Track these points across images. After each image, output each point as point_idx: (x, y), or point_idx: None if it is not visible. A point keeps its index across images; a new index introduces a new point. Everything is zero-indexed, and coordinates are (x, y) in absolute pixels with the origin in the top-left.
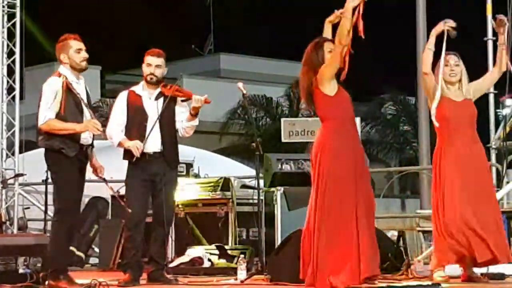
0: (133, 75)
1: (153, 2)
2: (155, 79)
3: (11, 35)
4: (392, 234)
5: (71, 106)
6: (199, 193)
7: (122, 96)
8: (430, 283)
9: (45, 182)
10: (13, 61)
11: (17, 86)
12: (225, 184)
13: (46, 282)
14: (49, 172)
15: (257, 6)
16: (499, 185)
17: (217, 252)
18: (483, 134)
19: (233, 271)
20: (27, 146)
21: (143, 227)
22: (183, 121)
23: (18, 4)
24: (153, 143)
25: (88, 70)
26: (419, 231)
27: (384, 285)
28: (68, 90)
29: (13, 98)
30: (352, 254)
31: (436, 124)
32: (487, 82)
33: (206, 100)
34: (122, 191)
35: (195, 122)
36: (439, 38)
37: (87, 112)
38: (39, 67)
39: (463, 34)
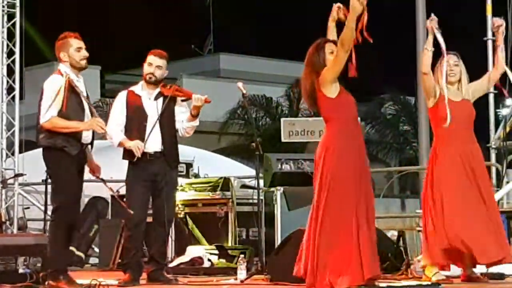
0: (133, 75)
1: (153, 2)
2: (153, 79)
3: (11, 35)
4: (392, 234)
5: (73, 104)
6: (199, 193)
7: (121, 96)
8: (430, 283)
9: (45, 182)
10: (13, 61)
11: (17, 86)
12: (225, 184)
13: (46, 282)
14: (48, 170)
15: (257, 6)
16: (499, 185)
17: (217, 252)
18: (483, 134)
19: (233, 271)
20: (27, 146)
21: (143, 227)
22: (184, 121)
23: (18, 4)
24: (154, 143)
25: (88, 70)
26: (419, 231)
27: (384, 285)
28: (70, 88)
29: (13, 98)
30: (352, 255)
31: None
32: (486, 83)
33: (206, 100)
34: (122, 191)
35: (196, 122)
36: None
37: (88, 111)
38: (39, 67)
39: (463, 34)
